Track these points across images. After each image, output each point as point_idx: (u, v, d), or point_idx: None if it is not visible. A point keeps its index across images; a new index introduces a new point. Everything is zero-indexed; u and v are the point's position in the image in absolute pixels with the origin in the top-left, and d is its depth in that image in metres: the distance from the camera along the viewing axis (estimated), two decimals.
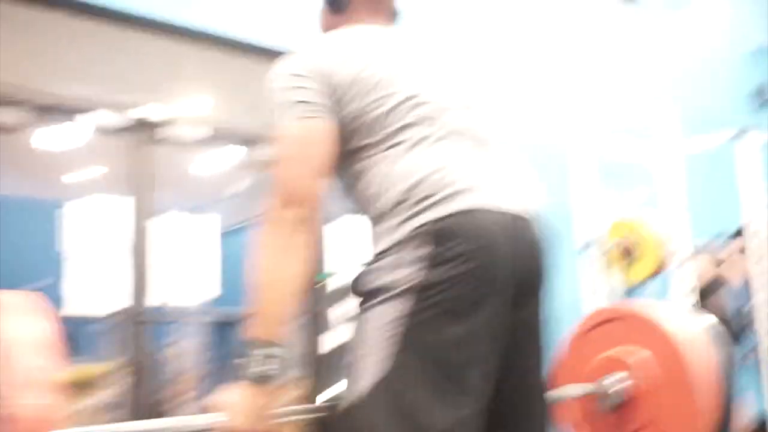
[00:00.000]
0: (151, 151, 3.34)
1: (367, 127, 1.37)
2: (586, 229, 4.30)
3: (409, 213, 1.30)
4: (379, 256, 1.31)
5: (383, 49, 1.44)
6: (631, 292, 4.57)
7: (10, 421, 1.06)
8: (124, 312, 3.21)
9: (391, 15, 1.58)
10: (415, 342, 1.24)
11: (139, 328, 3.21)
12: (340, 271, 3.77)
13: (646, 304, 2.18)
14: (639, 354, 2.05)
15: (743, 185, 4.56)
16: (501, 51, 4.70)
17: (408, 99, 1.39)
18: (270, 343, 1.26)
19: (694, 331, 2.08)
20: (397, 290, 1.26)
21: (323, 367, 3.68)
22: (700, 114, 4.56)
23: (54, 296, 3.97)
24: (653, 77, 5.38)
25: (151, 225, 3.28)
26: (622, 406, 2.04)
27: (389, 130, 1.36)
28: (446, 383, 1.23)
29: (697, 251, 4.65)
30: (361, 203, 1.40)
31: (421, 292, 1.26)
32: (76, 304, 4.23)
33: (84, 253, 4.32)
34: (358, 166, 1.39)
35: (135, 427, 1.32)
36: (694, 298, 4.07)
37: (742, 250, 4.81)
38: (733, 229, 5.04)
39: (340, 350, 3.57)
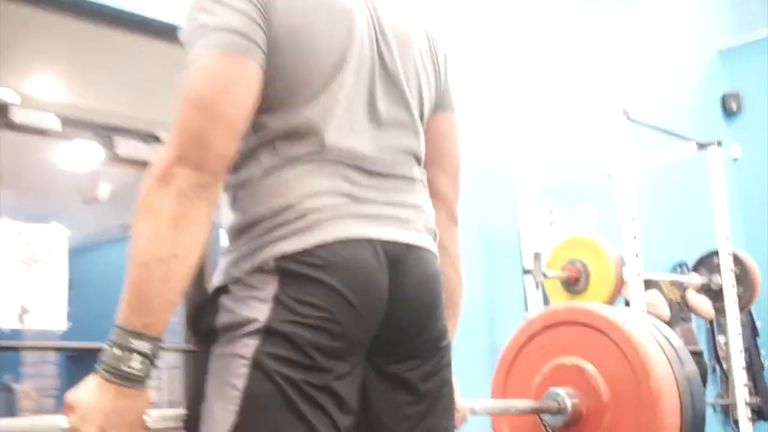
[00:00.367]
0: None
1: (272, 99, 1.26)
2: (532, 251, 4.29)
3: (268, 238, 1.24)
4: (221, 289, 1.28)
5: (340, 8, 1.32)
6: None
7: None
8: None
9: None
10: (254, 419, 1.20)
11: None
12: None
13: (604, 308, 2.17)
14: (593, 364, 2.06)
15: (709, 205, 4.48)
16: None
17: (328, 88, 1.29)
18: (140, 335, 1.17)
19: (655, 342, 2.07)
20: (237, 343, 1.23)
21: None
22: (661, 124, 4.63)
23: None
24: (607, 84, 5.35)
25: None
26: (572, 424, 2.06)
27: (291, 121, 1.27)
28: None
29: (653, 283, 4.53)
30: (228, 195, 1.32)
31: (259, 354, 1.21)
32: None
33: None
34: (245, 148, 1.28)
35: None
36: None
37: (704, 285, 4.78)
38: (695, 257, 5.01)
39: None
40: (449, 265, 1.47)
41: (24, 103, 3.22)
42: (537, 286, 4.26)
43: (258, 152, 1.27)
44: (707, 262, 4.96)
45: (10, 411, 5.81)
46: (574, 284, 4.19)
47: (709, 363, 5.37)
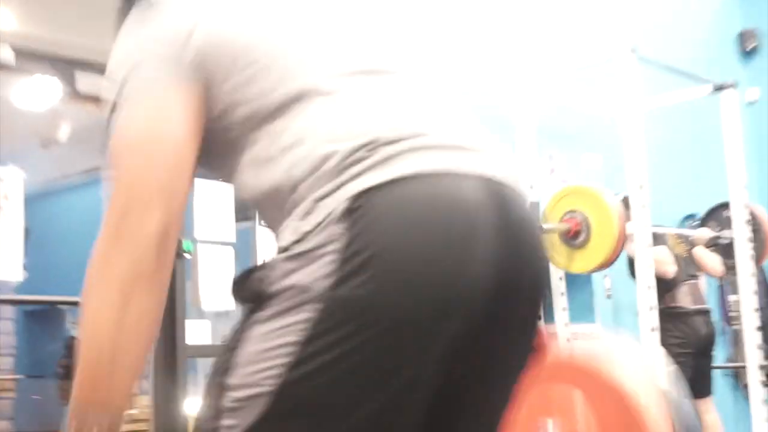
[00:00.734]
0: None
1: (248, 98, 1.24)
2: (530, 201, 4.11)
3: (332, 183, 1.15)
4: (281, 252, 1.17)
5: None
6: (573, 284, 4.47)
7: None
8: None
9: None
10: (298, 396, 1.12)
11: None
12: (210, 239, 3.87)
13: (606, 363, 2.08)
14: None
15: (722, 153, 4.48)
16: None
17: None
18: (98, 408, 1.19)
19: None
20: (292, 305, 1.13)
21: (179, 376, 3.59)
22: (672, 64, 4.61)
23: None
24: (614, 19, 5.34)
25: None
26: None
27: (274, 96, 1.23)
28: None
29: (659, 237, 4.58)
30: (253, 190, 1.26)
31: (321, 320, 1.11)
32: None
33: None
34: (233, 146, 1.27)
35: None
36: (653, 295, 3.99)
37: (713, 240, 4.82)
38: (705, 209, 5.04)
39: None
40: None
41: None
42: None
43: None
44: (717, 215, 5.00)
45: None
46: (573, 238, 4.22)
47: (719, 323, 5.47)
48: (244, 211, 4.31)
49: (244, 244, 3.90)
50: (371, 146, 1.16)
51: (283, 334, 1.12)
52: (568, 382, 2.04)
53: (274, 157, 1.21)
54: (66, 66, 3.60)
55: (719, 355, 5.55)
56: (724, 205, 4.85)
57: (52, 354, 5.87)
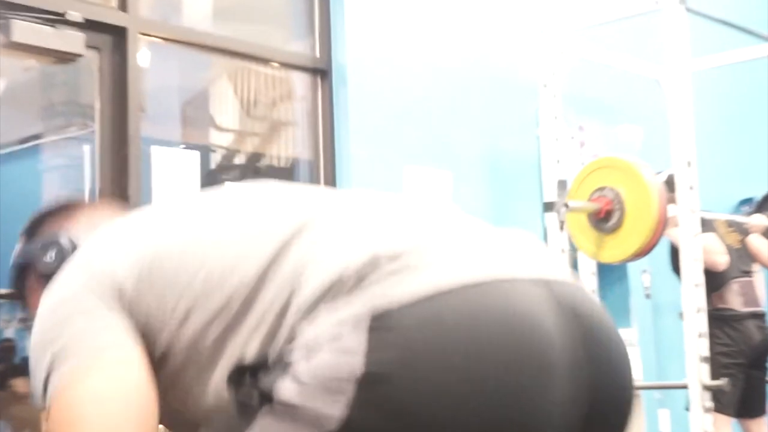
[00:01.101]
0: None
1: None
2: (556, 180, 4.25)
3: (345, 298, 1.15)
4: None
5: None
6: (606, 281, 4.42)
7: None
8: None
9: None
10: None
11: None
12: None
13: None
14: None
15: None
16: None
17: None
18: None
19: None
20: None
21: None
22: (726, 17, 4.62)
23: None
24: None
25: None
26: None
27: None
28: None
29: (707, 224, 4.51)
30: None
31: None
32: None
33: None
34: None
35: None
36: (701, 294, 3.95)
37: None
38: (763, 191, 5.01)
39: None
40: None
41: None
42: (561, 227, 4.21)
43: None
44: None
45: None
46: (604, 220, 4.12)
47: None
48: (212, 187, 4.25)
49: None
50: (378, 262, 1.16)
51: None
52: None
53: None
54: None
55: None
56: None
57: None
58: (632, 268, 5.29)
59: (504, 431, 1.12)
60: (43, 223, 1.61)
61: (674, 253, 4.60)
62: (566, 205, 4.09)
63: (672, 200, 4.12)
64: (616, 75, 4.88)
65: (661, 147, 4.10)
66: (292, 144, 4.74)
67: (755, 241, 4.94)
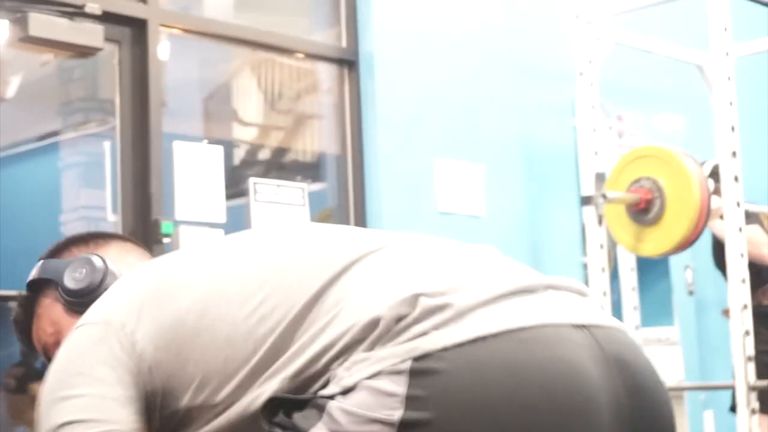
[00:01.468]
0: None
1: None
2: (593, 172, 4.24)
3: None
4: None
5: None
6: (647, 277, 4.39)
7: None
8: None
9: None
10: None
11: None
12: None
13: None
14: None
15: None
16: None
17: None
18: None
19: None
20: None
21: None
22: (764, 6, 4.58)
23: None
24: None
25: None
26: None
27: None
28: None
29: (752, 216, 4.49)
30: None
31: None
32: None
33: None
34: None
35: None
36: (747, 291, 3.93)
37: None
38: None
39: None
40: None
41: None
42: (599, 221, 4.19)
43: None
44: None
45: None
46: (643, 211, 4.11)
47: None
48: (236, 184, 4.25)
49: (236, 226, 3.82)
50: (419, 303, 1.17)
51: None
52: None
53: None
54: (15, 4, 3.58)
55: None
56: None
57: (1, 362, 5.80)
58: (674, 264, 5.26)
59: None
60: (67, 247, 1.63)
61: (717, 246, 4.56)
62: (604, 196, 4.08)
63: (716, 191, 4.09)
64: (656, 61, 4.86)
65: (704, 136, 4.07)
66: (318, 138, 4.75)
67: None
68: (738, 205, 3.91)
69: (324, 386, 1.18)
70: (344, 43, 4.47)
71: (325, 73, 4.61)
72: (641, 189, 4.12)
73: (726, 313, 4.06)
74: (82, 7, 3.63)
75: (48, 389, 1.34)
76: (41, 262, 1.63)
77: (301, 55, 4.59)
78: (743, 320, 3.88)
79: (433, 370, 1.11)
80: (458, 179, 4.51)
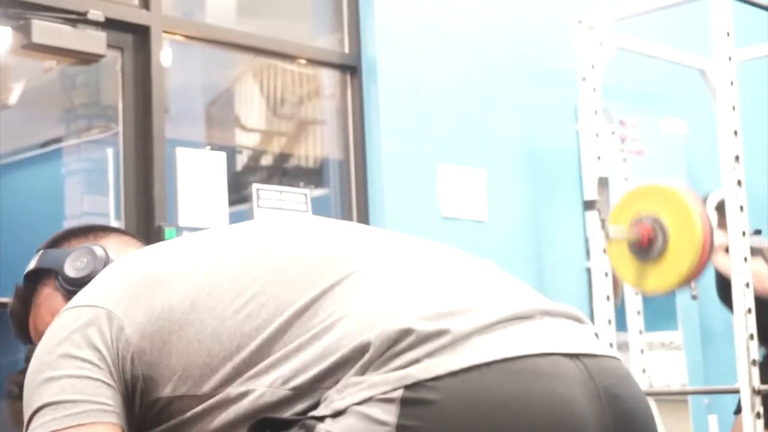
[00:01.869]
0: None
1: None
2: (596, 177, 4.27)
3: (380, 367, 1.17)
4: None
5: None
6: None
7: None
8: None
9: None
10: None
11: None
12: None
13: None
14: None
15: None
16: None
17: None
18: None
19: None
20: None
21: None
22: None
23: None
24: None
25: None
26: None
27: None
28: None
29: (754, 250, 4.44)
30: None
31: None
32: None
33: None
34: None
35: None
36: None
37: None
38: None
39: None
40: None
41: None
42: (602, 225, 4.19)
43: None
44: None
45: None
46: (646, 248, 4.10)
47: None
48: (239, 190, 4.26)
49: None
50: (412, 331, 1.16)
51: None
52: None
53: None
54: (18, 11, 3.58)
55: None
56: None
57: (3, 368, 5.80)
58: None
59: None
60: (67, 239, 1.64)
61: (721, 281, 4.53)
62: (607, 235, 4.08)
63: (720, 225, 4.08)
64: (658, 66, 4.86)
65: (707, 141, 4.08)
66: (321, 143, 4.75)
67: None
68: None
69: (314, 407, 1.18)
70: (347, 49, 4.49)
71: (328, 78, 4.62)
72: (643, 226, 4.12)
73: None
74: (84, 13, 3.65)
75: (32, 371, 1.34)
76: (41, 252, 1.62)
77: (303, 61, 4.60)
78: (747, 324, 3.88)
79: (425, 401, 1.11)
80: (461, 184, 4.52)
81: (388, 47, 4.41)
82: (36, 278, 1.61)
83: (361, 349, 1.16)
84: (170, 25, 4.00)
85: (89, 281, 1.49)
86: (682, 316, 5.51)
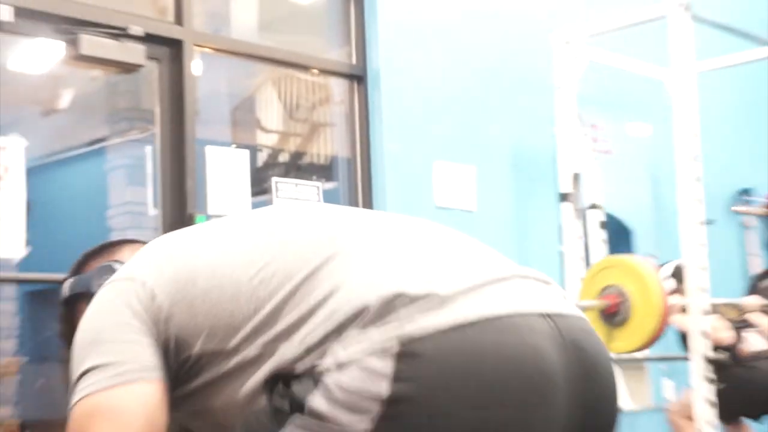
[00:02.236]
0: None
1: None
2: (571, 173, 4.30)
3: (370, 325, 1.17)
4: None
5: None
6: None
7: None
8: None
9: None
10: None
11: None
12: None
13: None
14: None
15: None
16: None
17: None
18: None
19: None
20: None
21: None
22: (728, 24, 4.59)
23: None
24: None
25: None
26: None
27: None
28: None
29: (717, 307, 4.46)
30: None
31: None
32: None
33: None
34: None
35: None
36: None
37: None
38: (762, 183, 4.93)
39: None
40: None
41: None
42: (576, 215, 4.26)
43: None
44: (763, 287, 4.84)
45: None
46: (613, 315, 4.04)
47: None
48: (260, 183, 4.29)
49: None
50: (406, 295, 1.17)
51: None
52: None
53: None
54: (68, 26, 3.57)
55: None
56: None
57: (54, 338, 5.89)
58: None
59: None
60: (86, 262, 1.66)
61: (682, 337, 4.52)
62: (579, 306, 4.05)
63: (680, 290, 4.10)
64: (626, 77, 4.88)
65: (669, 143, 4.11)
66: (331, 143, 4.74)
67: (757, 319, 4.73)
68: (700, 203, 3.97)
69: (320, 357, 1.17)
70: (354, 61, 4.49)
71: (337, 86, 4.61)
72: (610, 296, 4.06)
73: None
74: (126, 29, 3.62)
75: (79, 337, 1.34)
76: (69, 281, 1.64)
77: (316, 71, 4.59)
78: (701, 301, 3.93)
79: (418, 353, 1.13)
80: (454, 179, 4.53)
81: (390, 59, 4.43)
82: (72, 302, 1.63)
83: (362, 310, 1.16)
84: (200, 40, 3.99)
85: None
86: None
